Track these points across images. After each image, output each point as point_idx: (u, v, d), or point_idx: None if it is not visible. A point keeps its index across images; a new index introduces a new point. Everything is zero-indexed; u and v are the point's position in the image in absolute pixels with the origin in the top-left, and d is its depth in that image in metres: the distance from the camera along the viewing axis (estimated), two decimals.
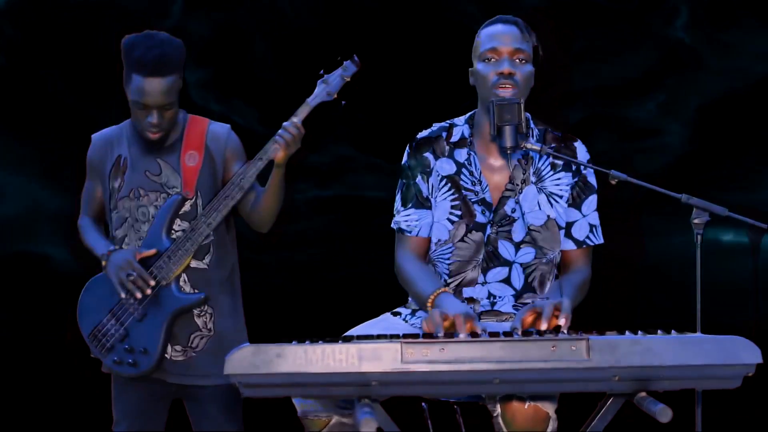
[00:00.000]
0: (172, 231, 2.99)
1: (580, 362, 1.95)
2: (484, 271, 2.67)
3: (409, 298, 2.76)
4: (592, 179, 2.72)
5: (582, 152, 2.72)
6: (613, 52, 5.00)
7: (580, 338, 1.96)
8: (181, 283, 2.99)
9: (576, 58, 4.95)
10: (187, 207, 3.01)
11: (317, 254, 5.18)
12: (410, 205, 2.73)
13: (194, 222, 2.97)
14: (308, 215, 5.15)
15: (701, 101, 4.99)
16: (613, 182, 2.49)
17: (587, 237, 2.71)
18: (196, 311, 3.00)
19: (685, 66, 4.96)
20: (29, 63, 4.99)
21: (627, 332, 2.06)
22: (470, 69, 2.71)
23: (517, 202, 2.66)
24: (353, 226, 5.09)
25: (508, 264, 2.67)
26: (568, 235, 2.70)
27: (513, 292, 2.67)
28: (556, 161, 2.68)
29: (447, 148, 2.72)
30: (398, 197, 2.77)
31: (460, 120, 2.77)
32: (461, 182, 2.69)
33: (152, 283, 2.93)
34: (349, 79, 2.97)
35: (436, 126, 2.77)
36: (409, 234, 2.72)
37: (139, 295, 2.93)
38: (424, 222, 2.72)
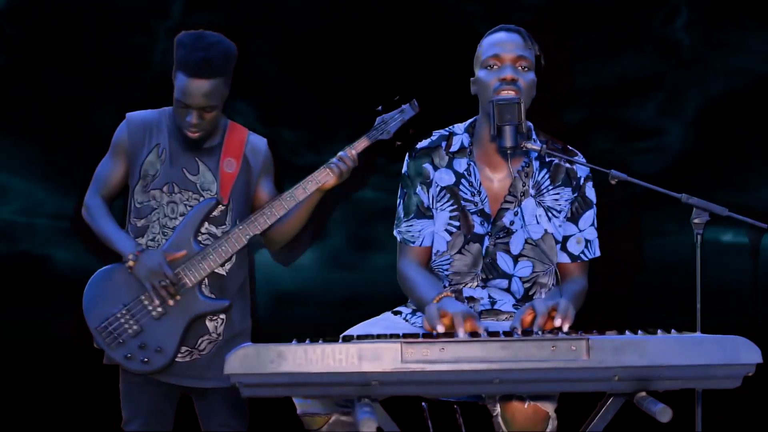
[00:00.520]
0: (199, 233, 2.99)
1: (580, 362, 1.95)
2: (484, 282, 2.67)
3: (409, 299, 2.76)
4: (591, 194, 2.71)
5: (581, 165, 2.70)
6: (613, 52, 5.00)
7: (580, 338, 1.96)
8: (202, 288, 3.00)
9: (576, 58, 4.95)
10: (217, 212, 3.02)
11: (317, 254, 5.18)
12: (412, 216, 2.73)
13: (230, 230, 2.97)
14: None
15: (701, 101, 4.99)
16: (613, 182, 2.49)
17: (582, 252, 2.71)
18: (209, 316, 3.01)
19: (684, 66, 4.96)
20: (29, 63, 4.99)
21: (627, 332, 2.06)
22: (472, 78, 2.70)
23: (516, 214, 2.65)
24: (353, 225, 5.09)
25: (508, 277, 2.67)
26: (564, 249, 2.70)
27: (513, 301, 2.68)
28: (557, 175, 2.68)
29: (446, 157, 2.71)
30: (400, 207, 2.77)
31: (459, 128, 2.75)
32: (460, 193, 2.68)
33: (179, 284, 2.94)
34: (406, 123, 2.99)
35: (435, 134, 2.77)
36: (412, 244, 2.72)
37: (171, 303, 2.93)
38: (427, 232, 2.72)
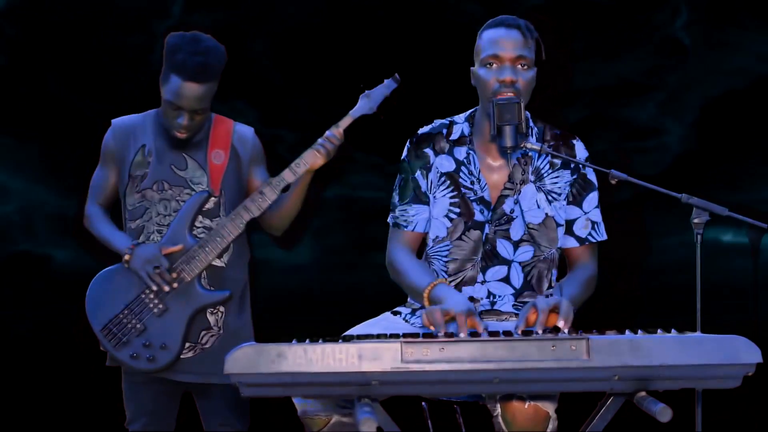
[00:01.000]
0: (194, 227, 3.00)
1: (580, 362, 1.95)
2: (483, 270, 2.67)
3: (409, 298, 2.76)
4: (592, 176, 2.71)
5: (581, 150, 2.72)
6: (613, 52, 5.01)
7: (580, 338, 1.96)
8: (201, 281, 3.00)
9: (576, 58, 4.95)
10: (210, 204, 3.03)
11: (317, 254, 5.18)
12: (408, 200, 2.72)
13: (221, 220, 2.99)
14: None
15: (701, 101, 5.00)
16: (613, 182, 2.49)
17: (589, 234, 2.70)
18: (209, 308, 3.01)
19: (685, 66, 4.97)
20: (30, 63, 5.00)
21: (627, 332, 2.06)
22: (471, 69, 2.70)
23: (516, 202, 2.65)
24: (353, 226, 5.10)
25: (507, 263, 2.67)
26: (570, 232, 2.69)
27: (512, 291, 2.67)
28: (555, 160, 2.68)
29: (447, 145, 2.71)
30: (395, 193, 2.76)
31: (460, 117, 2.76)
32: (460, 180, 2.68)
33: (176, 277, 2.94)
34: (389, 95, 3.02)
35: (436, 122, 2.77)
36: (405, 228, 2.72)
37: (166, 289, 2.93)
38: (421, 217, 2.72)
